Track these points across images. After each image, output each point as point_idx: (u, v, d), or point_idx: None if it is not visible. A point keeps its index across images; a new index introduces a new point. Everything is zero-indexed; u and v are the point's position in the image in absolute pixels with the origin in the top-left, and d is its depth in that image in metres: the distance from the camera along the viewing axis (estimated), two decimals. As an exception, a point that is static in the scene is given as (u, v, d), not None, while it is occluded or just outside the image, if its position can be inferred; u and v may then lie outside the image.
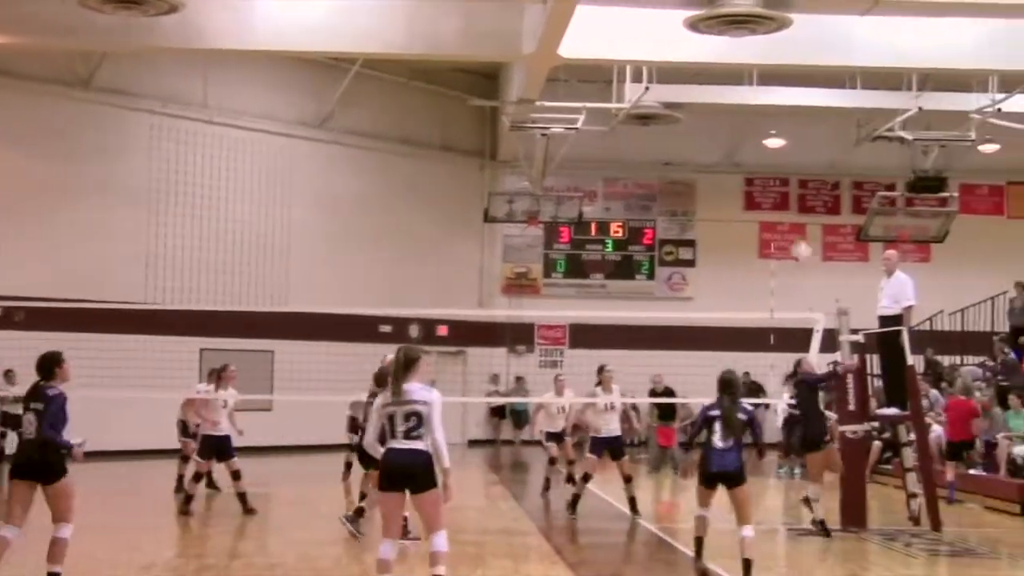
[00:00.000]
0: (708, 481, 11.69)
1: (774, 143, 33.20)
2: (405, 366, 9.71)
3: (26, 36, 21.38)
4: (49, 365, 10.32)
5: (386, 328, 29.17)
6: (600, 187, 34.65)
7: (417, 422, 9.53)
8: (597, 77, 26.41)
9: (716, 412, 11.77)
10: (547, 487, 19.82)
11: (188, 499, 16.54)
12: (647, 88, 23.87)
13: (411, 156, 32.22)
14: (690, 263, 34.79)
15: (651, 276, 34.66)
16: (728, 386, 11.90)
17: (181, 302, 26.77)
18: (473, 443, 32.24)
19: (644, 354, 27.20)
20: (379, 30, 21.39)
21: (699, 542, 11.87)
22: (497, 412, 33.46)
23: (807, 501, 15.04)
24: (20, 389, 22.35)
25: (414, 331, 30.45)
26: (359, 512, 14.03)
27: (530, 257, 34.38)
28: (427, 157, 32.64)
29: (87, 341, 21.31)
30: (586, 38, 20.93)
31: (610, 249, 34.64)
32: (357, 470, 18.85)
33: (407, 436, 9.52)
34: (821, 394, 15.64)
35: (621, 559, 13.87)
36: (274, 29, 21.33)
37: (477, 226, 31.42)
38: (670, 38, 20.44)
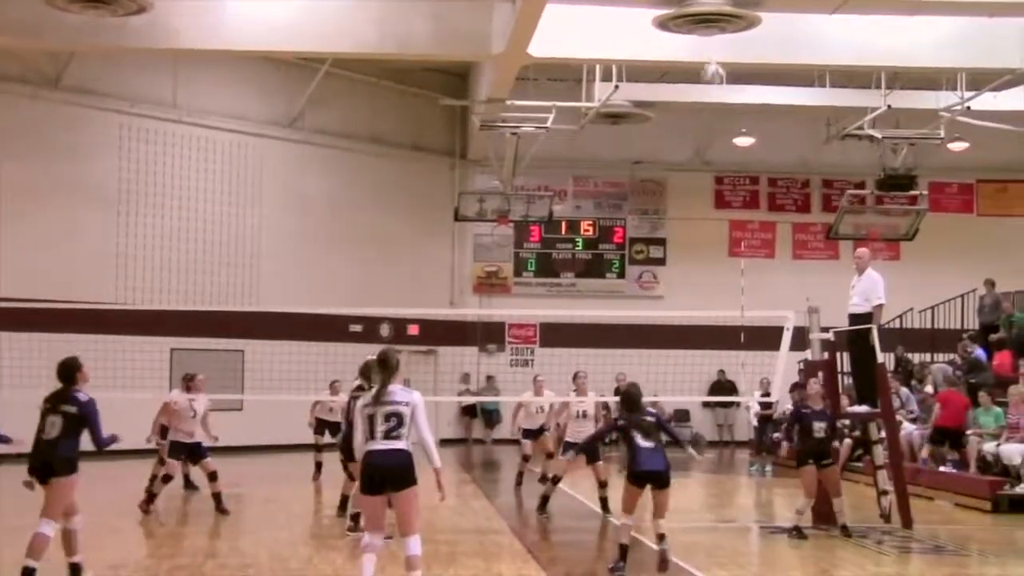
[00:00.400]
0: (638, 479, 11.79)
1: (744, 141, 33.28)
2: (387, 368, 9.84)
3: (-7, 35, 21.25)
4: (70, 371, 11.03)
5: (357, 328, 29.10)
6: (570, 186, 34.67)
7: (397, 422, 9.65)
8: (567, 76, 26.45)
9: (624, 421, 12.07)
10: (519, 482, 19.96)
11: (151, 498, 16.51)
12: (617, 87, 23.91)
13: (381, 156, 32.16)
14: (660, 262, 34.82)
15: (622, 275, 34.68)
16: (631, 402, 12.27)
17: (151, 302, 26.66)
18: (444, 442, 32.16)
19: (615, 353, 27.23)
20: (349, 30, 21.35)
21: (625, 549, 11.91)
22: (468, 411, 33.46)
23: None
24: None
25: (385, 330, 30.39)
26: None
27: (500, 256, 34.35)
28: (397, 156, 32.59)
29: (56, 342, 21.08)
30: (556, 37, 20.97)
31: (580, 248, 34.65)
32: (328, 472, 18.86)
33: (387, 436, 9.64)
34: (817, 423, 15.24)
35: (592, 558, 13.88)
36: (243, 29, 21.27)
37: (448, 225, 31.43)
38: (639, 37, 20.49)
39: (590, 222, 34.66)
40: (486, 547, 13.64)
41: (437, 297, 32.18)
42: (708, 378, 31.80)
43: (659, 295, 34.04)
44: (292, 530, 15.21)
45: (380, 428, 9.63)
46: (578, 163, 33.55)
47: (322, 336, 27.24)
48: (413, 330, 31.50)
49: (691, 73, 27.51)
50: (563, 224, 33.93)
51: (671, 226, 34.84)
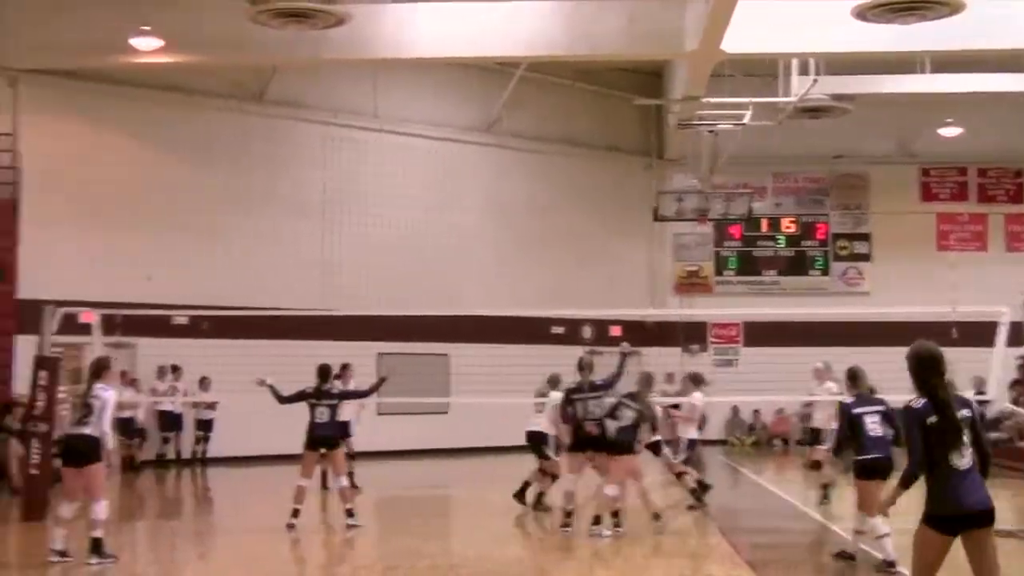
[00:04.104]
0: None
1: (950, 132, 32.43)
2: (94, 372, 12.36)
3: (199, 53, 22.02)
4: (324, 374, 15.31)
5: (559, 330, 29.23)
6: (770, 182, 34.22)
7: (87, 411, 12.00)
8: (763, 71, 26.13)
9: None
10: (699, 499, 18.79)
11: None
12: (815, 80, 23.55)
13: (577, 157, 32.20)
14: (865, 257, 34.11)
15: (826, 271, 34.09)
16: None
17: (356, 308, 27.11)
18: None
19: (822, 351, 26.71)
20: (541, 33, 21.49)
21: None
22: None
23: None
24: (210, 396, 23.27)
25: (587, 332, 30.44)
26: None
27: (701, 255, 34.09)
28: (593, 158, 32.59)
29: (266, 347, 21.75)
30: (750, 32, 20.72)
31: (783, 245, 34.17)
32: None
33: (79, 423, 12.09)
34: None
35: (803, 561, 13.61)
36: (438, 37, 21.60)
37: (646, 226, 31.28)
38: (836, 28, 20.13)
39: (792, 219, 34.14)
40: (695, 548, 13.53)
41: (635, 298, 32.06)
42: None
43: (865, 291, 33.37)
44: (498, 530, 15.29)
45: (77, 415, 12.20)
46: (776, 159, 33.08)
47: (524, 339, 27.37)
48: (615, 331, 31.43)
49: (892, 64, 27.02)
50: (763, 221, 33.51)
51: (875, 221, 34.08)
